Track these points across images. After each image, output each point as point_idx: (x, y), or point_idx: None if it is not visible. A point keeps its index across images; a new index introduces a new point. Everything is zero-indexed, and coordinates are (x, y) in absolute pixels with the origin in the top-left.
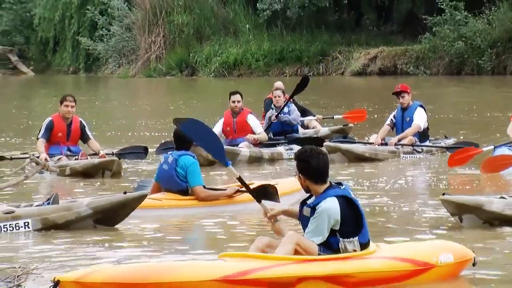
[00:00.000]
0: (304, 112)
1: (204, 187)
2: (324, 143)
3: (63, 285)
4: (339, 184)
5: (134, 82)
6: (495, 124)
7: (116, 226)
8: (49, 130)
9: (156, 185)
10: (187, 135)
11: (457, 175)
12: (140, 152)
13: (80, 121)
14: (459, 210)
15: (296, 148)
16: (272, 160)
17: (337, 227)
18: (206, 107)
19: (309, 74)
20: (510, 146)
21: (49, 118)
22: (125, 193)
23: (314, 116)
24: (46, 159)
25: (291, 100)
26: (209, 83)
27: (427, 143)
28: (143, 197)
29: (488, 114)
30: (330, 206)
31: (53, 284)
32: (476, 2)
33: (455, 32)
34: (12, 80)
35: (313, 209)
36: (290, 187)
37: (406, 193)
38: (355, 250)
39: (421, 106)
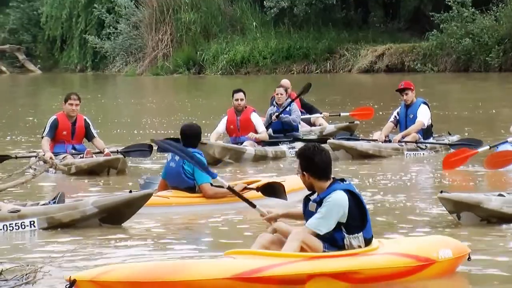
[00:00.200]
0: (310, 110)
1: (211, 184)
2: (328, 141)
3: (79, 285)
4: (342, 180)
5: (141, 80)
6: (500, 121)
7: (124, 223)
8: (54, 129)
9: (163, 182)
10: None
11: (460, 172)
12: (145, 150)
13: (85, 119)
14: (457, 207)
15: (298, 146)
16: (276, 158)
17: (344, 220)
18: (211, 105)
19: (316, 71)
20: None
21: (54, 117)
22: (130, 191)
23: (321, 113)
24: (51, 158)
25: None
26: (216, 81)
27: (430, 140)
28: (148, 195)
29: (494, 111)
30: (340, 197)
31: (69, 283)
32: None
33: (463, 29)
34: (19, 78)
35: (319, 203)
36: (297, 184)
37: (409, 190)
38: (359, 246)
39: (424, 103)
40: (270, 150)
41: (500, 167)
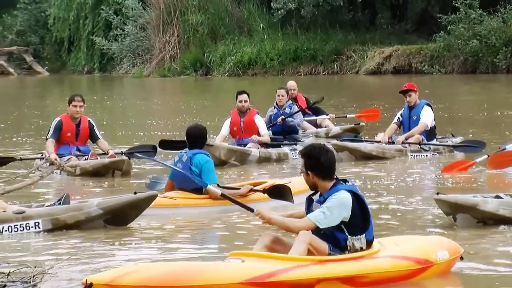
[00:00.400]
0: (317, 111)
1: (218, 185)
2: (332, 142)
3: None
4: (345, 180)
5: (148, 82)
6: (505, 123)
7: (131, 225)
8: (58, 130)
9: (170, 182)
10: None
11: (463, 173)
12: (149, 151)
13: (89, 120)
14: (453, 209)
15: (299, 148)
16: (279, 160)
17: (347, 220)
18: (217, 107)
19: (324, 73)
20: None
21: (58, 118)
22: (135, 193)
23: (327, 115)
24: (55, 159)
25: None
26: (223, 83)
27: (434, 141)
28: (153, 197)
29: (499, 113)
30: (345, 197)
31: (85, 286)
32: (491, 1)
33: (470, 30)
34: (27, 80)
35: (323, 203)
36: (303, 185)
37: (412, 191)
38: (361, 248)
39: (428, 104)
40: (273, 152)
41: (503, 167)
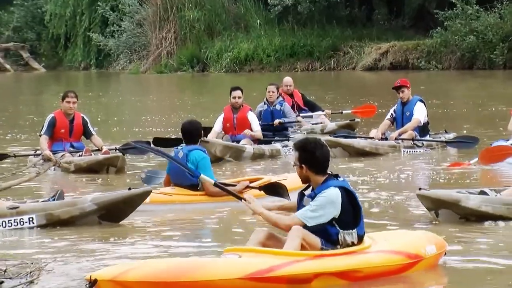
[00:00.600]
0: (313, 107)
1: (215, 182)
2: (325, 138)
3: (100, 284)
4: (336, 176)
5: (145, 78)
6: (500, 119)
7: (129, 221)
8: (52, 127)
9: (168, 177)
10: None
11: (458, 168)
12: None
13: (82, 117)
14: (435, 205)
15: (291, 145)
16: (272, 156)
17: (337, 216)
18: (212, 103)
19: (320, 69)
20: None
21: (51, 115)
22: (129, 189)
23: (323, 111)
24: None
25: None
26: (220, 79)
27: (427, 137)
28: (147, 193)
29: (493, 109)
30: (334, 194)
31: (90, 283)
32: None
33: (467, 26)
34: (23, 77)
35: (314, 198)
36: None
37: (405, 187)
38: (353, 242)
39: (420, 100)
40: (266, 148)
41: (495, 162)
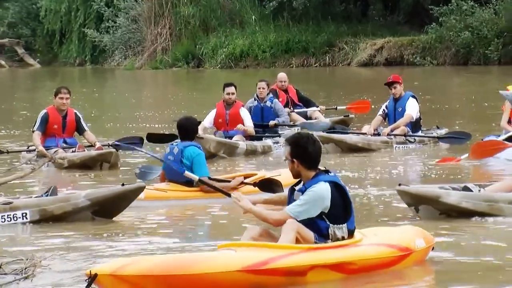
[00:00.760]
0: (307, 103)
1: (210, 178)
2: (318, 134)
3: (99, 279)
4: (327, 171)
5: (140, 74)
6: (492, 114)
7: (123, 217)
8: (45, 123)
9: (164, 173)
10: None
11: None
12: (136, 143)
13: (75, 112)
14: (415, 201)
15: (281, 141)
16: (264, 152)
17: (326, 211)
18: (205, 99)
19: (316, 65)
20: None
21: (44, 111)
22: (123, 184)
23: (317, 107)
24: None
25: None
26: (215, 75)
27: (419, 133)
28: (141, 189)
29: (486, 104)
30: (323, 189)
31: (90, 277)
32: None
33: (462, 22)
34: (18, 72)
35: (304, 193)
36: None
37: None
38: (343, 237)
39: (413, 96)
40: (259, 145)
41: (486, 157)
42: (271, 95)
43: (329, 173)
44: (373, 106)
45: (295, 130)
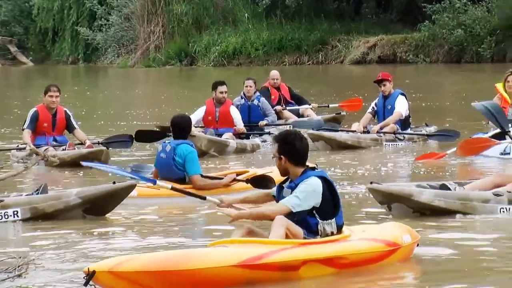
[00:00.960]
0: (299, 101)
1: (202, 175)
2: (308, 131)
3: (97, 276)
4: (313, 168)
5: (133, 72)
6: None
7: (115, 214)
8: (34, 121)
9: (156, 170)
10: None
11: (437, 161)
12: (126, 141)
13: (65, 110)
14: (387, 199)
15: (269, 139)
16: (253, 150)
17: (318, 205)
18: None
19: (308, 63)
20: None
21: (34, 109)
22: (114, 182)
23: (309, 104)
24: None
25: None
26: (208, 73)
27: (408, 131)
28: (132, 187)
29: (476, 101)
30: (316, 183)
31: (87, 275)
32: None
33: (455, 20)
34: (11, 71)
35: (294, 189)
36: None
37: (386, 180)
38: (332, 232)
39: (402, 94)
40: (248, 143)
41: (473, 154)
42: (258, 93)
43: (316, 170)
44: (365, 104)
45: (287, 128)
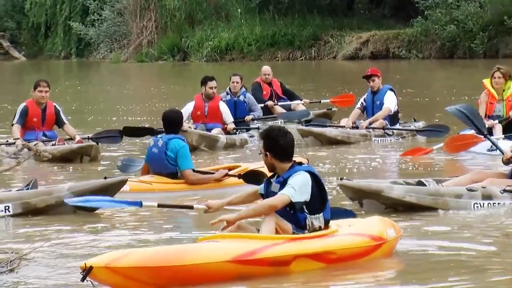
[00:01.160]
0: (291, 96)
1: (194, 170)
2: (297, 127)
3: (94, 271)
4: (300, 163)
5: (125, 67)
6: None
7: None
8: (24, 116)
9: (146, 166)
10: None
11: (425, 157)
12: (115, 136)
13: (55, 105)
14: (357, 195)
15: (256, 134)
16: (242, 145)
17: (307, 199)
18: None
19: (301, 58)
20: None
21: (24, 104)
22: (105, 178)
23: (301, 100)
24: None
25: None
26: (200, 68)
27: (397, 126)
28: (123, 182)
29: (466, 98)
30: (306, 177)
31: (85, 270)
32: None
33: (447, 15)
34: (3, 65)
35: (283, 183)
36: None
37: (374, 176)
38: (320, 227)
39: (391, 89)
40: (237, 138)
41: (460, 151)
42: (244, 89)
43: (304, 164)
44: (357, 100)
45: (278, 123)
